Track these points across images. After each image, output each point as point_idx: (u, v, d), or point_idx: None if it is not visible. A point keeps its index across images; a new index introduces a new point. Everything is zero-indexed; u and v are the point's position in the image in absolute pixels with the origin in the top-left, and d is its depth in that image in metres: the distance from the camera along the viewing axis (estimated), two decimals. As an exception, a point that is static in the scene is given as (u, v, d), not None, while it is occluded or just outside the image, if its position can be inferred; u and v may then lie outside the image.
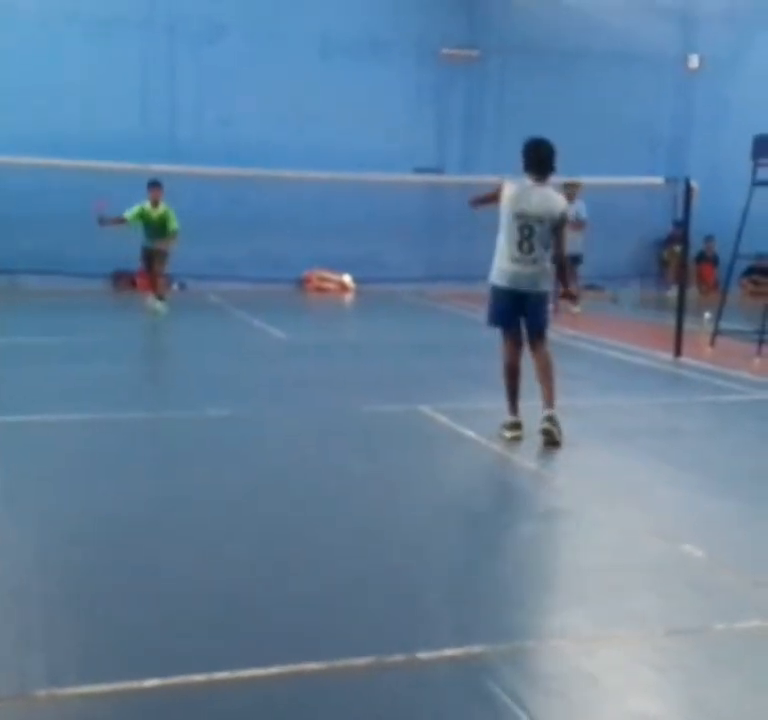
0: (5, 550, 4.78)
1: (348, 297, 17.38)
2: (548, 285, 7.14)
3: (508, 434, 7.00)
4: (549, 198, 6.93)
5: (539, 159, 6.97)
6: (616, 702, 3.51)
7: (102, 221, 13.54)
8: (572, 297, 8.65)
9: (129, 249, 16.48)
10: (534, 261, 6.87)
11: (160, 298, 13.82)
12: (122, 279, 16.92)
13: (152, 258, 13.98)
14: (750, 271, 18.20)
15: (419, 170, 18.12)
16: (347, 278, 17.82)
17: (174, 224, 13.76)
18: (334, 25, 17.61)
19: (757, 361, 10.86)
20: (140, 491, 5.83)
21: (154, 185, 13.79)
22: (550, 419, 6.85)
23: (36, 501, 5.54)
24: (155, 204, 13.68)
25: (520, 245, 6.83)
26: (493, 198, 7.03)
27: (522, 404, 7.19)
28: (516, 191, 6.87)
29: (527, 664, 3.79)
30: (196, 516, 5.39)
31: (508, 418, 7.08)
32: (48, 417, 7.49)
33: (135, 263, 16.71)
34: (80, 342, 11.28)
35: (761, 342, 11.22)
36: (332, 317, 15.74)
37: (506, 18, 18.61)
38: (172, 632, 3.96)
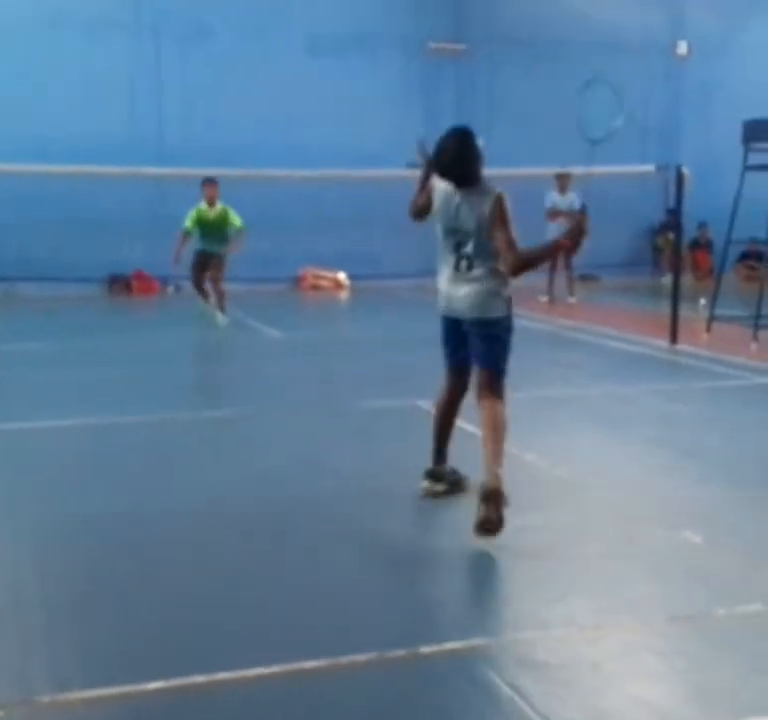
0: (3, 557, 4.78)
1: (343, 294, 17.37)
2: (499, 309, 5.31)
3: (425, 484, 5.72)
4: (477, 204, 5.22)
5: (448, 162, 5.25)
6: (618, 689, 3.52)
7: (177, 259, 12.57)
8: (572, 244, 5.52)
9: (123, 253, 16.53)
10: (475, 280, 5.30)
11: (222, 309, 12.71)
12: (117, 283, 16.91)
13: (207, 263, 12.68)
14: (744, 256, 18.19)
15: (411, 165, 18.06)
16: (342, 275, 17.81)
17: (237, 221, 12.65)
18: (320, 23, 17.57)
19: (754, 346, 10.85)
20: (136, 494, 5.83)
21: (208, 182, 12.64)
22: (491, 496, 4.99)
23: (33, 507, 5.54)
24: (211, 203, 12.57)
25: (457, 263, 5.36)
26: (425, 194, 5.56)
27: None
28: (442, 199, 5.36)
29: (529, 654, 3.79)
30: (192, 518, 5.39)
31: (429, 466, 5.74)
32: (44, 423, 7.48)
33: (129, 267, 16.76)
34: (75, 347, 11.27)
35: (757, 327, 11.21)
36: (328, 315, 15.74)
37: (491, 10, 18.54)
38: (172, 634, 3.97)
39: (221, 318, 12.69)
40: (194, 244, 12.78)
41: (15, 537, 5.05)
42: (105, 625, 4.05)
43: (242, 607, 4.23)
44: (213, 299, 12.80)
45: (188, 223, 12.65)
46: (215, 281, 12.82)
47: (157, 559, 4.79)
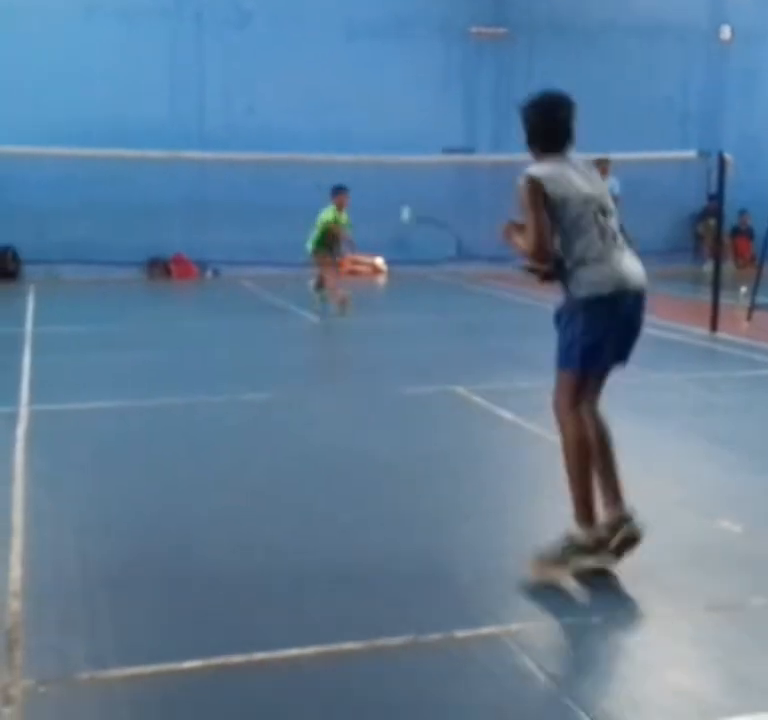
0: (45, 537, 4.84)
1: (381, 279, 17.37)
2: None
3: (589, 561, 4.35)
4: (596, 174, 4.74)
5: (558, 124, 4.78)
6: (654, 677, 3.51)
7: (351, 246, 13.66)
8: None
9: (162, 237, 16.64)
10: (625, 247, 4.53)
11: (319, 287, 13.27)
12: (156, 267, 17.01)
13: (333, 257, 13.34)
14: (787, 244, 17.98)
15: (448, 150, 18.03)
16: (380, 260, 17.80)
17: (349, 227, 13.40)
18: (359, 7, 17.54)
19: (795, 335, 10.74)
20: (176, 476, 5.89)
21: (342, 190, 13.28)
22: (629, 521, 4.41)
23: (74, 487, 5.61)
24: (340, 208, 13.22)
25: (603, 234, 4.45)
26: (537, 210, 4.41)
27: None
28: (561, 173, 4.53)
29: (564, 641, 3.79)
30: (231, 500, 5.42)
31: (580, 534, 4.36)
32: (85, 405, 7.56)
33: (169, 250, 16.86)
34: (116, 330, 11.37)
35: (799, 315, 11.09)
36: (365, 300, 15.71)
37: (533, -6, 18.46)
38: (209, 614, 4.00)
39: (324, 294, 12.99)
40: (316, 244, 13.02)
41: (57, 518, 5.11)
42: (144, 604, 4.09)
43: (279, 589, 4.26)
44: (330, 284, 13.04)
45: (332, 216, 13.02)
46: (338, 268, 13.47)
47: (195, 540, 4.82)
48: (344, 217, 13.18)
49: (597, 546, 4.34)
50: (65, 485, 5.66)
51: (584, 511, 4.42)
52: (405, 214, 13.16)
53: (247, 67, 17.11)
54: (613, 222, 4.52)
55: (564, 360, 4.47)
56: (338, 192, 13.26)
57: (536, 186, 4.43)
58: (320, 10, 17.35)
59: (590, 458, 4.45)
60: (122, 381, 8.49)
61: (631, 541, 4.35)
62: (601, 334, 4.40)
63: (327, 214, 13.03)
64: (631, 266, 4.47)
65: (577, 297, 4.40)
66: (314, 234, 12.94)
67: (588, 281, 4.38)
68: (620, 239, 4.51)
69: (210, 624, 3.90)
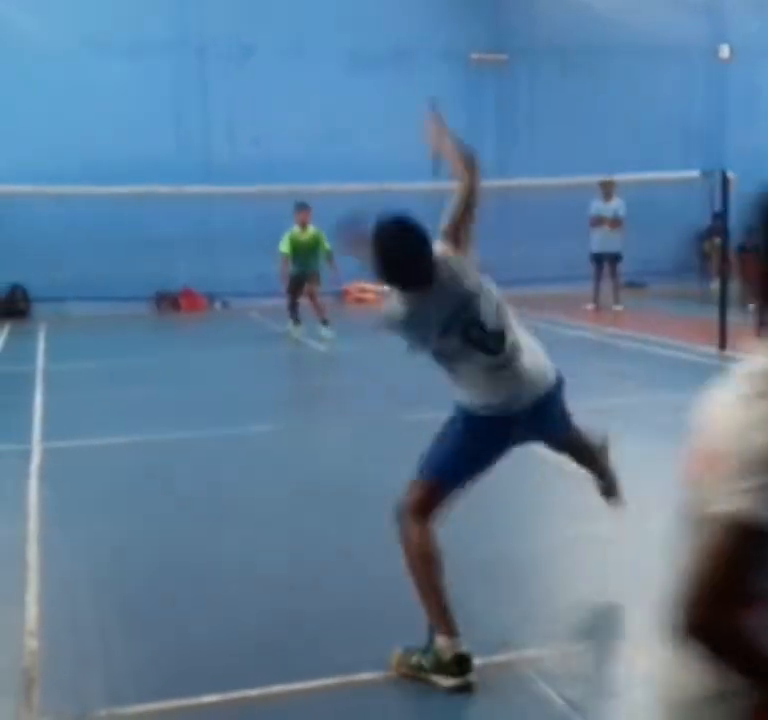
0: (59, 574, 4.85)
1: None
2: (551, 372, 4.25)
3: (450, 682, 3.58)
4: (456, 278, 4.09)
5: (400, 267, 4.11)
6: (672, 701, 3.49)
7: (284, 281, 13.25)
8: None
9: (169, 271, 16.73)
10: (512, 358, 4.11)
11: (325, 322, 12.76)
12: (164, 301, 17.09)
13: (302, 283, 13.14)
14: (793, 260, 18.00)
15: (435, 171, 18.07)
16: (387, 288, 17.83)
17: (326, 245, 12.89)
18: (361, 38, 17.67)
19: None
20: (188, 510, 5.89)
21: (301, 207, 13.27)
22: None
23: (87, 524, 5.62)
24: (303, 227, 13.16)
25: (485, 351, 4.13)
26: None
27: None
28: (411, 312, 4.12)
29: (582, 667, 3.78)
30: (243, 533, 5.43)
31: (445, 644, 3.61)
32: (96, 441, 7.59)
33: (177, 284, 16.94)
34: (126, 366, 11.40)
35: (807, 331, 11.06)
36: (371, 327, 15.76)
37: (532, 19, 18.56)
38: (226, 648, 4.00)
39: (325, 332, 12.72)
40: (289, 268, 13.16)
41: (71, 554, 5.13)
42: (160, 640, 4.10)
43: (295, 621, 4.26)
44: (316, 312, 13.02)
45: (285, 248, 13.08)
46: (312, 295, 13.18)
47: (208, 574, 4.83)
48: (310, 232, 13.06)
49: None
50: (78, 521, 5.67)
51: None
52: None
53: (251, 99, 17.23)
54: None
55: None
56: (298, 209, 13.20)
57: None
58: (322, 42, 17.48)
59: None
60: (133, 416, 8.51)
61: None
62: None
63: (284, 241, 13.06)
64: None
65: None
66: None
67: None
68: None
69: (227, 657, 3.90)
